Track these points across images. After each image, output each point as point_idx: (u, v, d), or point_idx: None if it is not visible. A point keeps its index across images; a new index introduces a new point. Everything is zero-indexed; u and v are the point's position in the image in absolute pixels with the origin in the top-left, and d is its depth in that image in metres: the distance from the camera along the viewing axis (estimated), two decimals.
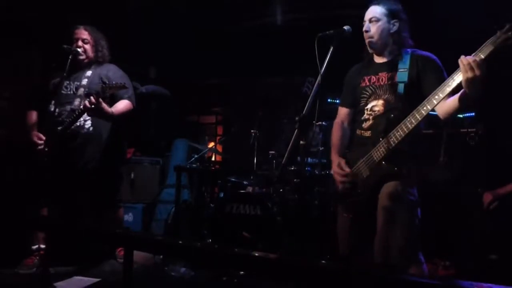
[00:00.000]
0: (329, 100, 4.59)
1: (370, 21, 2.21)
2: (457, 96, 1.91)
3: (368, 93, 2.26)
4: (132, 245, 1.74)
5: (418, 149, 2.17)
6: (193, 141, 4.90)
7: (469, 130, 3.26)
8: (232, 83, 6.21)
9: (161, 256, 3.33)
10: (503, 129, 3.22)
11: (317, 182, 3.67)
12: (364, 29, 2.22)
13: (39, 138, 2.97)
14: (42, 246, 2.98)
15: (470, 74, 1.72)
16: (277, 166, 3.78)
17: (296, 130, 1.87)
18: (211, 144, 5.27)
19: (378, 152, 2.10)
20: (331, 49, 1.97)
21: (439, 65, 2.13)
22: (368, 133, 2.23)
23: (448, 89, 1.87)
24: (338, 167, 2.25)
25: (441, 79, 1.99)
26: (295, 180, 3.62)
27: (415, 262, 2.05)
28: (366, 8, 2.28)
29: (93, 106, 2.79)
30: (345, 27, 2.04)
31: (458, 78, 1.83)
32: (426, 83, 2.09)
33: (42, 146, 2.95)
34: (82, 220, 3.12)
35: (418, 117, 1.95)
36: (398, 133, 2.02)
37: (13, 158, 3.52)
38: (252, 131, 3.98)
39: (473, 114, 3.33)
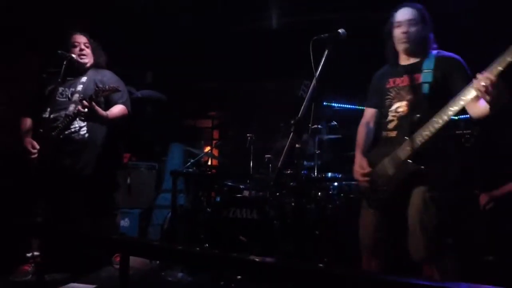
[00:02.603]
0: (324, 103, 4.60)
1: (408, 23, 2.23)
2: (484, 102, 1.94)
3: (392, 95, 2.30)
4: (129, 251, 1.73)
5: (447, 149, 2.20)
6: (189, 146, 4.89)
7: (464, 131, 3.27)
8: (228, 87, 6.21)
9: (158, 262, 3.31)
10: (498, 130, 3.24)
11: (313, 185, 3.67)
12: (402, 30, 2.23)
13: (33, 146, 2.96)
14: (37, 253, 2.95)
15: (488, 97, 1.81)
16: (273, 170, 3.78)
17: (291, 134, 1.87)
18: (207, 149, 5.25)
19: (403, 151, 2.14)
20: (326, 52, 1.98)
21: (464, 64, 2.17)
22: (393, 134, 2.27)
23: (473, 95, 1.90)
24: (359, 166, 2.32)
25: (467, 78, 2.05)
26: (291, 183, 3.62)
27: (442, 253, 2.13)
28: (392, 9, 2.30)
29: (86, 109, 2.79)
30: (340, 30, 2.05)
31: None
32: (452, 83, 2.13)
33: (35, 155, 2.94)
34: (78, 226, 3.10)
35: (445, 117, 2.00)
36: (425, 132, 2.06)
37: (8, 165, 3.50)
38: (248, 135, 3.98)
39: (469, 115, 3.33)
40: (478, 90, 1.83)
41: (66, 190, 3.03)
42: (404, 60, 2.33)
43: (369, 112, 2.50)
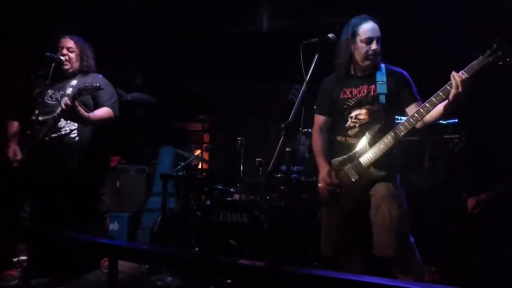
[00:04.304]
0: (315, 107, 4.60)
1: (378, 40, 2.30)
2: (439, 106, 2.10)
3: (351, 104, 2.38)
4: (117, 255, 1.72)
5: (399, 152, 2.35)
6: (179, 149, 4.87)
7: (452, 136, 3.30)
8: (219, 90, 6.20)
9: (147, 265, 3.29)
10: (485, 135, 3.28)
11: (304, 189, 3.67)
12: (374, 48, 2.28)
13: (15, 155, 2.94)
14: (23, 258, 2.91)
15: (460, 90, 1.95)
16: (264, 173, 3.77)
17: (282, 137, 1.88)
18: (198, 152, 5.24)
19: (367, 159, 2.25)
20: (316, 57, 2.00)
21: (410, 81, 2.35)
22: (354, 140, 2.35)
23: (436, 101, 2.07)
24: (327, 175, 2.39)
25: (414, 92, 2.30)
26: (281, 187, 3.62)
27: (410, 250, 2.22)
28: (350, 17, 2.36)
29: (68, 109, 2.76)
30: (330, 35, 2.09)
31: (444, 93, 2.05)
32: (403, 96, 2.31)
33: (16, 164, 2.92)
34: (67, 230, 3.07)
35: (407, 125, 2.15)
36: (388, 140, 2.20)
37: None
38: (238, 138, 3.97)
39: (457, 120, 3.38)
40: (455, 81, 1.96)
41: (55, 193, 2.99)
42: (357, 72, 2.40)
43: (322, 119, 2.57)
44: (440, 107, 2.10)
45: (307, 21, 4.81)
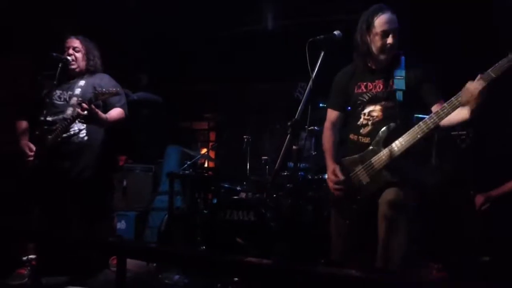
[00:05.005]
0: (321, 104, 4.60)
1: (395, 32, 2.16)
2: (461, 110, 1.99)
3: (365, 99, 2.26)
4: (125, 254, 1.73)
5: (415, 155, 2.22)
6: (185, 148, 4.89)
7: (459, 132, 3.28)
8: (224, 89, 6.21)
9: (155, 264, 3.30)
10: (493, 131, 3.25)
11: (310, 187, 3.67)
12: (391, 42, 2.14)
13: (30, 149, 2.95)
14: (33, 256, 2.94)
15: (479, 100, 1.86)
16: (270, 172, 3.78)
17: (288, 135, 1.88)
18: (204, 150, 5.25)
19: (379, 160, 2.14)
20: (322, 54, 1.99)
21: (433, 75, 2.19)
22: (367, 139, 2.24)
23: (458, 103, 1.95)
24: (333, 174, 2.27)
25: (436, 89, 2.14)
26: (288, 185, 3.62)
27: (415, 264, 2.16)
28: (364, 12, 2.23)
29: (86, 112, 2.78)
30: (335, 32, 2.05)
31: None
32: (424, 93, 2.16)
33: (31, 158, 2.93)
34: (75, 229, 3.09)
35: (425, 129, 2.02)
36: (402, 143, 2.07)
37: (2, 168, 3.48)
38: (244, 136, 3.98)
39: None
40: (471, 93, 1.86)
41: (63, 193, 3.01)
42: (374, 65, 2.26)
43: (334, 114, 2.44)
44: (463, 112, 1.98)
45: (312, 19, 4.80)
